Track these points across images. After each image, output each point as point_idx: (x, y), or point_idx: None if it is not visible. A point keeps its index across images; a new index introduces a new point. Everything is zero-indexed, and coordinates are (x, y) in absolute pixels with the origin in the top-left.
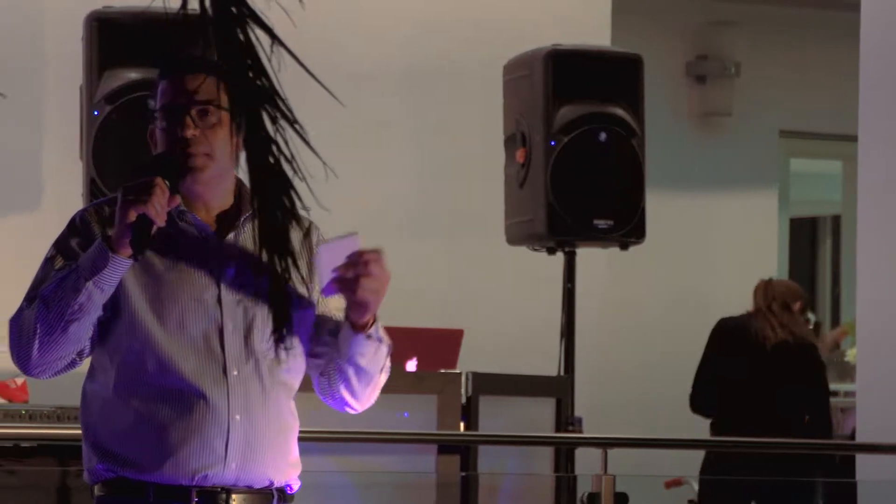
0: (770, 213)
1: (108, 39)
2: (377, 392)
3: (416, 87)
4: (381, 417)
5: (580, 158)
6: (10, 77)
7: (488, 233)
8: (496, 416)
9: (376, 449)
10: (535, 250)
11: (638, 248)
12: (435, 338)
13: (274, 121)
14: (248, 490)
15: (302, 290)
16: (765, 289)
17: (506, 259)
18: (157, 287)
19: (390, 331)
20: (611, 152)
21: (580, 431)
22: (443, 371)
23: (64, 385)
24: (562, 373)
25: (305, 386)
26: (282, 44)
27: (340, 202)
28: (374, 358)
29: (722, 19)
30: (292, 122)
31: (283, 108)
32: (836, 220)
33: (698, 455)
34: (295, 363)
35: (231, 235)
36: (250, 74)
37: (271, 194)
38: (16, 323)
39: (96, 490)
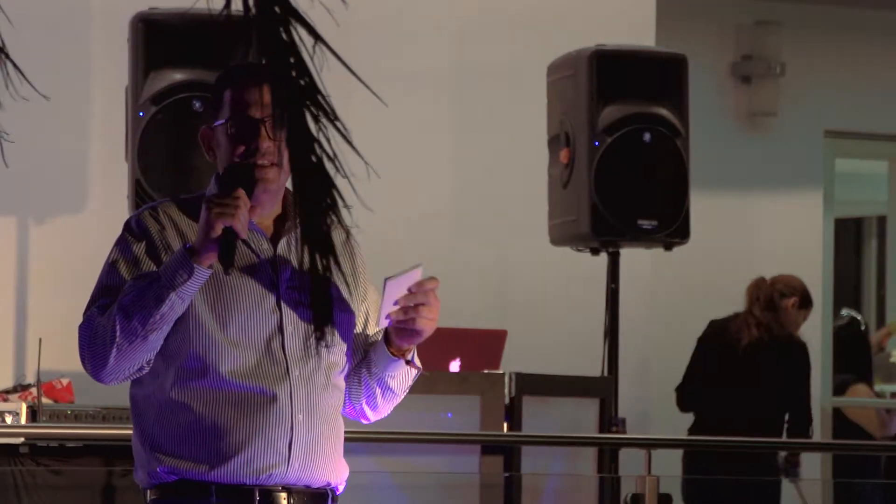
0: (815, 213)
1: (154, 41)
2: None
3: (459, 88)
4: (425, 418)
5: (624, 159)
6: (56, 78)
7: (532, 233)
8: (540, 416)
9: (420, 449)
10: (579, 251)
11: (682, 249)
12: (478, 338)
13: (316, 119)
14: (307, 490)
15: (343, 289)
16: (753, 288)
17: (550, 260)
18: (218, 293)
19: (434, 331)
20: (655, 153)
21: (624, 432)
22: (486, 372)
23: (108, 386)
24: (605, 373)
25: None
26: (325, 43)
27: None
28: (405, 381)
29: (767, 19)
30: (334, 119)
31: (326, 106)
32: (882, 220)
33: None
34: (344, 363)
35: (284, 240)
36: (293, 73)
37: (313, 192)
38: (88, 330)
39: (154, 493)
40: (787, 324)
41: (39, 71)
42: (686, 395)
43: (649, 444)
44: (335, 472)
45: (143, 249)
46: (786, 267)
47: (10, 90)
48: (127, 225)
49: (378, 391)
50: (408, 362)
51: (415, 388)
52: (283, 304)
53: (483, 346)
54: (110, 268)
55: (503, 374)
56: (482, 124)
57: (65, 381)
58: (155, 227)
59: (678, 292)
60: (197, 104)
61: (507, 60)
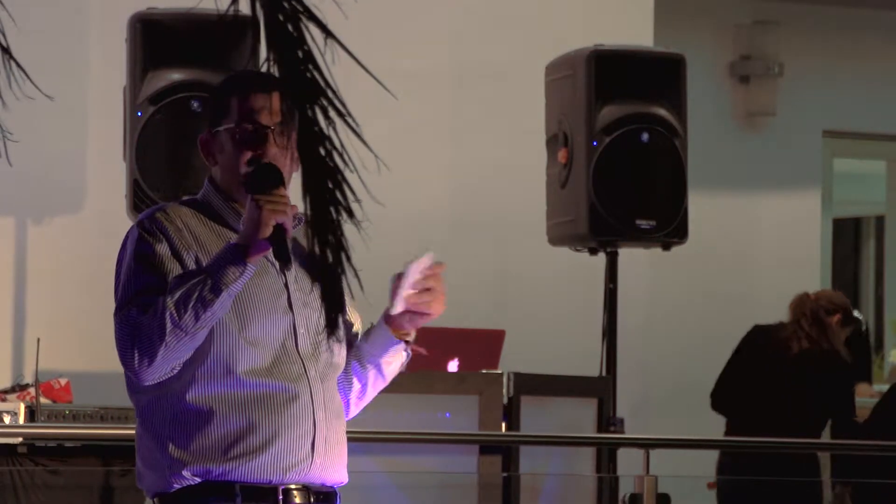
0: (813, 213)
1: (152, 40)
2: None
3: (458, 87)
4: (423, 418)
5: (622, 159)
6: (54, 78)
7: (530, 233)
8: (538, 416)
9: (418, 449)
10: (577, 251)
11: (680, 249)
12: (477, 338)
13: (325, 114)
14: (323, 487)
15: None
16: (798, 303)
17: (548, 260)
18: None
19: (432, 331)
20: (653, 153)
21: (622, 432)
22: (484, 371)
23: (106, 386)
24: (603, 373)
25: None
26: (335, 38)
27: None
28: (396, 367)
29: (765, 19)
30: (344, 115)
31: (335, 100)
32: (880, 220)
33: None
34: (343, 365)
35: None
36: (302, 68)
37: (323, 186)
38: (130, 330)
39: (172, 498)
40: (834, 340)
41: (38, 71)
42: (726, 397)
43: (647, 444)
44: (344, 471)
45: (167, 249)
46: (784, 267)
47: (12, 89)
48: (141, 225)
49: (371, 375)
50: (407, 343)
51: (414, 388)
52: (293, 304)
53: (481, 345)
54: (137, 267)
55: (501, 374)
56: (480, 124)
57: (63, 381)
58: (171, 227)
59: (676, 292)
60: (195, 104)
61: (505, 60)
